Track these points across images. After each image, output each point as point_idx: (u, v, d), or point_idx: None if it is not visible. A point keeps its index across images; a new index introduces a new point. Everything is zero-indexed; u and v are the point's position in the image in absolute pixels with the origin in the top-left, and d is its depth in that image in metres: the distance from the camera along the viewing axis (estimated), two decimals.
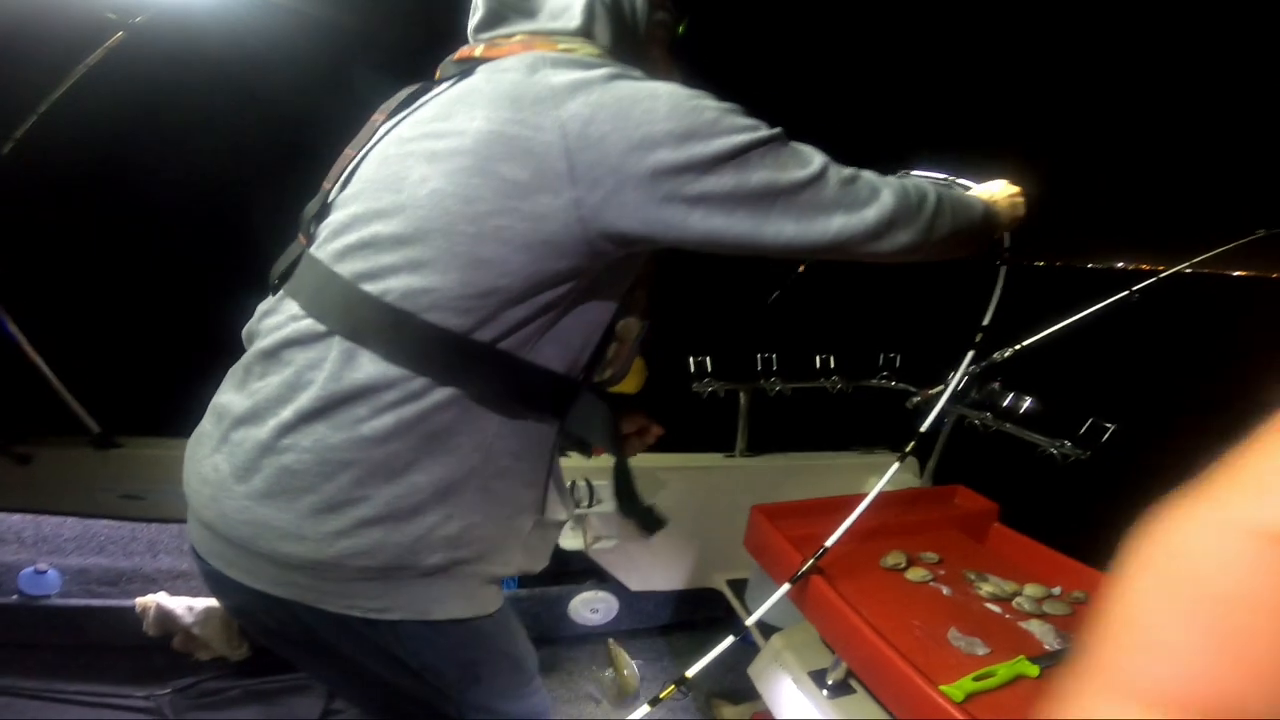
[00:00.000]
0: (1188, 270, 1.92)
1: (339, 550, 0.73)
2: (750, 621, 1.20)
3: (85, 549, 2.17)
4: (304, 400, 0.74)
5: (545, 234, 0.70)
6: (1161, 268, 1.83)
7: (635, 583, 2.04)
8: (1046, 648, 1.07)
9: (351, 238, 0.77)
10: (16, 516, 2.15)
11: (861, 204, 0.77)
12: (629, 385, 1.06)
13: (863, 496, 1.19)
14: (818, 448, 2.24)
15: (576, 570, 2.08)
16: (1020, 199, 1.10)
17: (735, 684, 1.95)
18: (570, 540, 1.98)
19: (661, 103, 0.70)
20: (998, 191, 1.09)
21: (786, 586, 1.21)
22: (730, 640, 1.18)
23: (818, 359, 2.12)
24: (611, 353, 0.87)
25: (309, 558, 0.74)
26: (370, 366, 0.73)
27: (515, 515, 0.83)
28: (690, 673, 1.21)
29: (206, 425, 0.85)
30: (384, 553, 0.74)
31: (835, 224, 0.76)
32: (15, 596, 1.87)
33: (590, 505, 1.95)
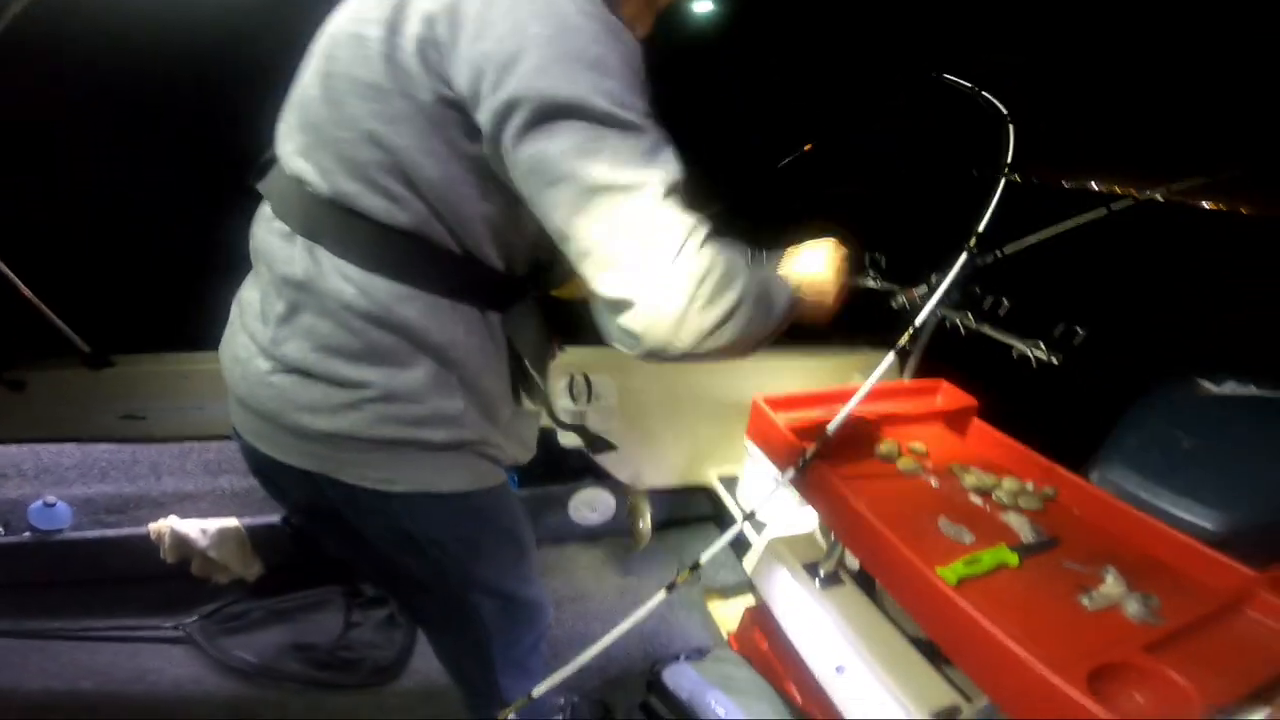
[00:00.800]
0: (1160, 199, 1.97)
1: (351, 422, 0.83)
2: (754, 510, 1.32)
3: (88, 477, 2.17)
4: (289, 295, 0.83)
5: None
6: (1133, 191, 1.88)
7: (634, 480, 2.15)
8: (1023, 539, 1.21)
9: (299, 139, 0.84)
10: (14, 448, 2.14)
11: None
12: (571, 290, 1.06)
13: (857, 387, 1.29)
14: (802, 344, 2.32)
15: (574, 468, 2.18)
16: (832, 287, 1.04)
17: (724, 579, 2.12)
18: (567, 438, 2.06)
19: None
20: (814, 274, 1.01)
21: (789, 473, 1.32)
22: (738, 526, 1.30)
23: None
24: (549, 258, 0.93)
25: (325, 429, 0.84)
26: (327, 263, 0.81)
27: (494, 403, 0.91)
28: (704, 558, 1.33)
29: (234, 314, 0.96)
30: (389, 426, 0.84)
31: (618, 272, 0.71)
32: (28, 534, 1.85)
33: (589, 401, 2.02)
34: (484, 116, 0.71)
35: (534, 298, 0.95)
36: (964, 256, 1.38)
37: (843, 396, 1.57)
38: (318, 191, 0.80)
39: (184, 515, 1.90)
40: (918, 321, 1.38)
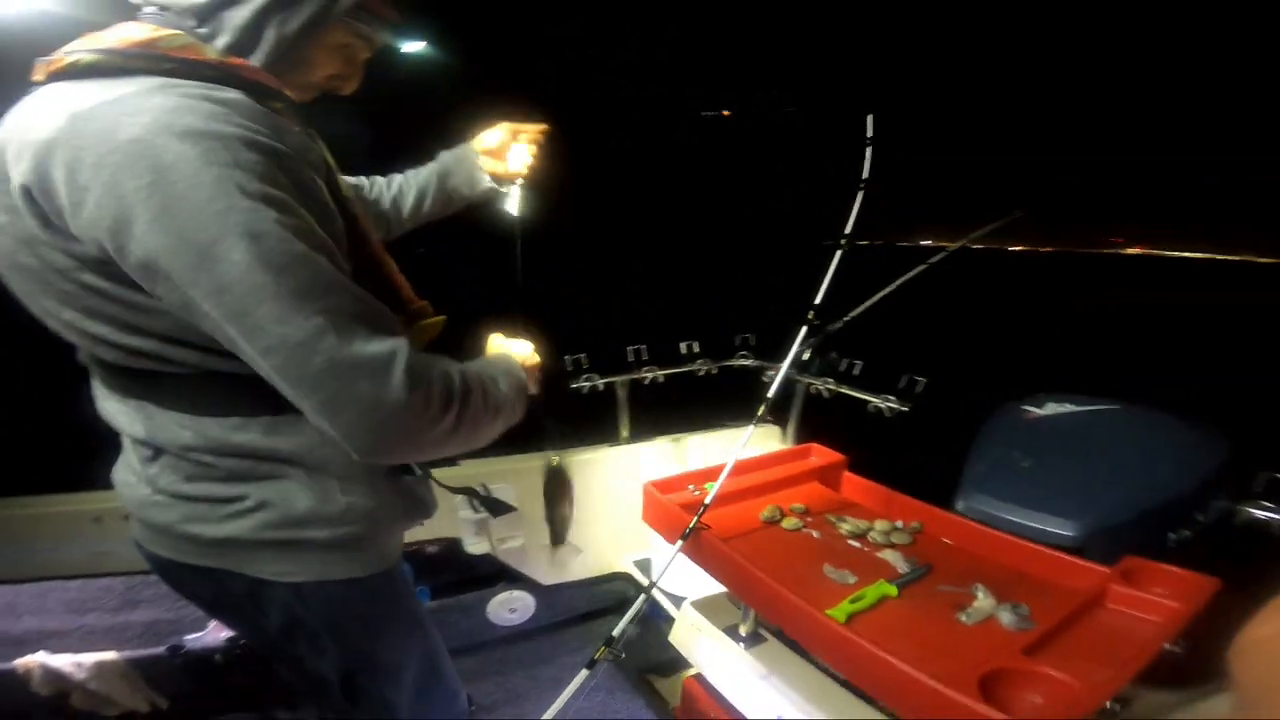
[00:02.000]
0: (972, 245, 2.28)
1: (236, 529, 0.86)
2: (657, 578, 1.35)
3: None
4: (143, 447, 0.88)
5: None
6: (948, 244, 2.18)
7: (548, 577, 2.12)
8: (900, 571, 1.29)
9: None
10: None
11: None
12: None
13: (746, 462, 1.37)
14: (692, 428, 2.43)
15: (486, 574, 2.14)
16: (530, 375, 1.03)
17: (659, 657, 2.09)
18: (475, 545, 2.03)
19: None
20: (510, 369, 0.98)
21: (679, 544, 1.37)
22: (643, 598, 1.32)
23: (683, 345, 2.30)
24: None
25: (215, 536, 0.86)
26: (160, 417, 0.84)
27: (376, 490, 0.93)
28: (616, 631, 1.35)
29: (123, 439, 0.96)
30: (273, 530, 0.86)
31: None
32: None
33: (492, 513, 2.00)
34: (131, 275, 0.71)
35: None
36: (804, 329, 1.53)
37: (719, 473, 1.67)
38: (113, 362, 0.82)
39: (51, 652, 1.81)
40: (770, 393, 1.51)
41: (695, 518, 1.38)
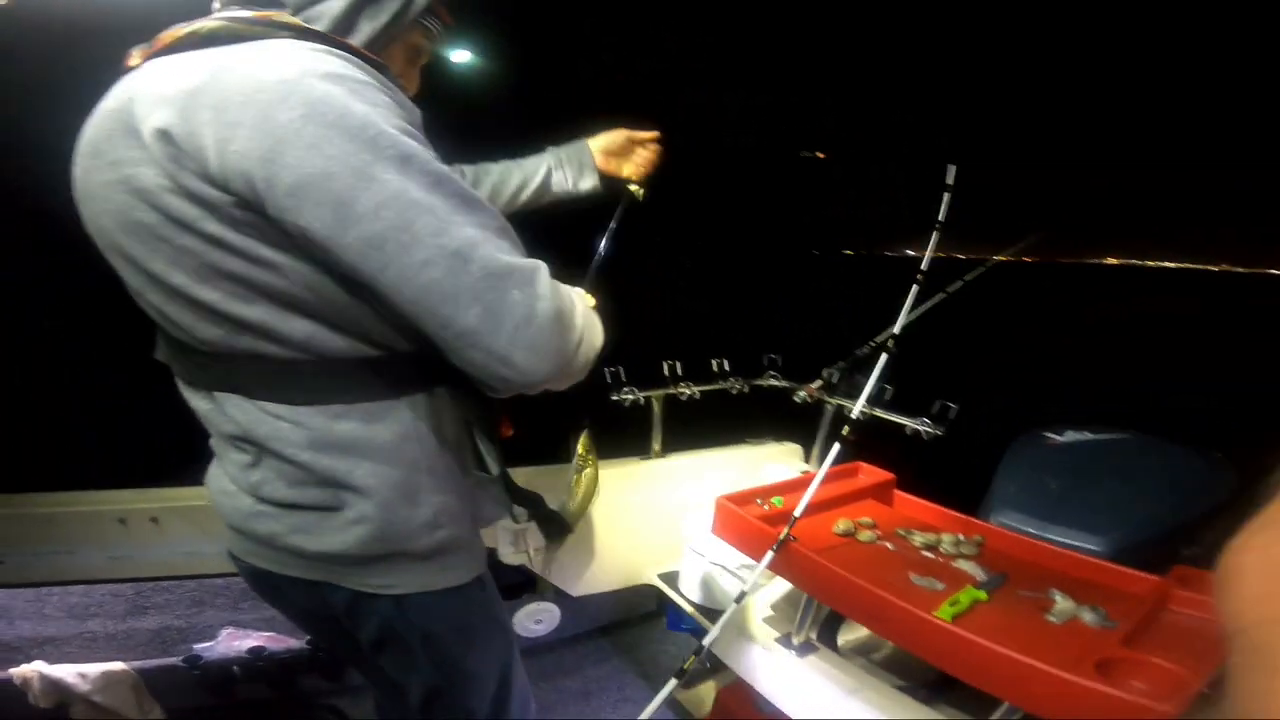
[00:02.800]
0: (998, 259, 2.42)
1: (340, 543, 0.85)
2: (750, 588, 1.42)
3: None
4: (240, 447, 0.87)
5: None
6: (970, 257, 2.31)
7: (575, 588, 2.14)
8: (979, 579, 1.40)
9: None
10: None
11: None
12: None
13: (808, 477, 1.45)
14: (710, 444, 2.50)
15: (515, 584, 2.14)
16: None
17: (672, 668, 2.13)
18: (512, 556, 2.04)
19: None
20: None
21: (768, 556, 1.44)
22: (734, 608, 1.39)
23: (714, 363, 2.38)
24: None
25: (317, 550, 0.86)
26: (252, 411, 0.83)
27: (461, 489, 0.94)
28: (707, 640, 1.40)
29: (215, 447, 0.95)
30: (375, 544, 0.86)
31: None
32: None
33: (529, 520, 2.02)
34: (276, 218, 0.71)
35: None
36: (884, 358, 1.62)
37: (787, 487, 1.75)
38: (210, 344, 0.81)
39: (48, 661, 1.74)
40: (855, 413, 1.61)
41: (785, 530, 1.44)
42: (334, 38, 0.79)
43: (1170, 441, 2.01)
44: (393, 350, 0.84)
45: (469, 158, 1.34)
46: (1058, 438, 2.09)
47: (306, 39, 0.75)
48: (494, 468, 1.01)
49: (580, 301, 0.85)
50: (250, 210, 0.71)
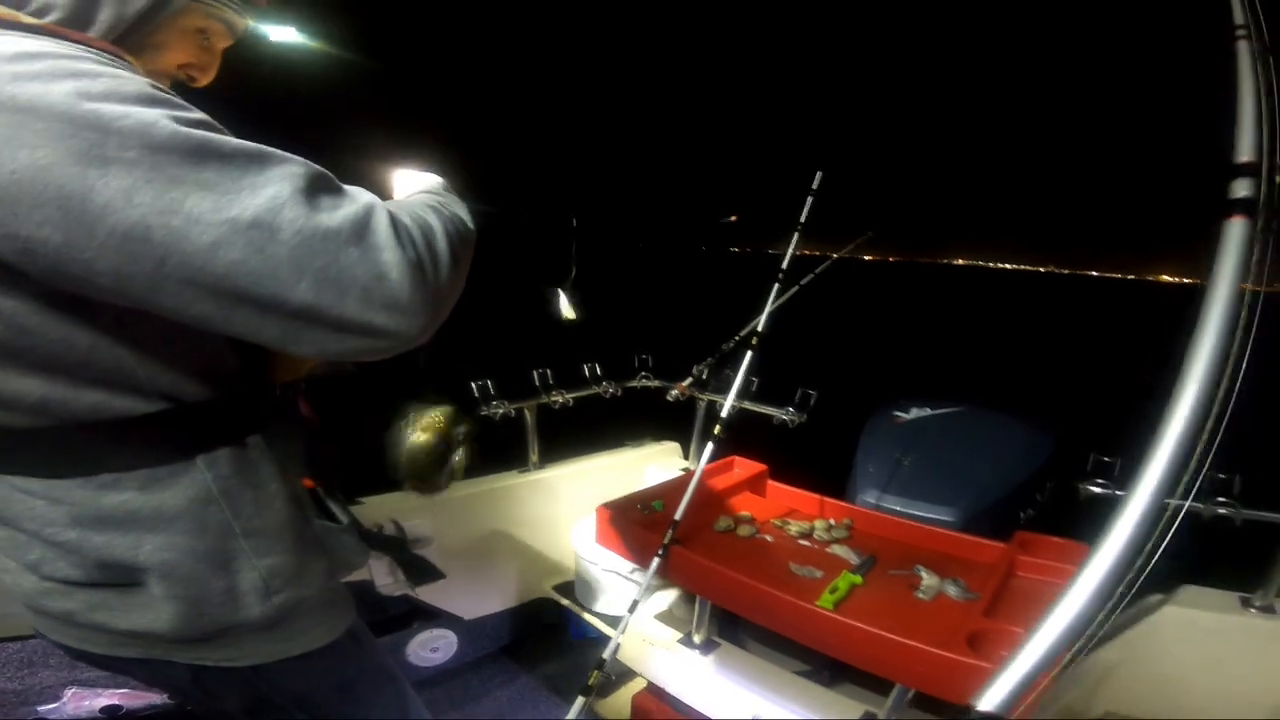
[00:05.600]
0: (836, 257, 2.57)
1: (150, 622, 0.70)
2: (640, 595, 1.42)
3: None
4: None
5: None
6: (818, 254, 2.44)
7: (468, 611, 2.06)
8: (853, 562, 1.49)
9: None
10: None
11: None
12: (299, 363, 0.88)
13: (686, 478, 1.48)
14: (592, 450, 2.49)
15: (401, 614, 2.02)
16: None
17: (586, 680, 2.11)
18: (389, 587, 1.93)
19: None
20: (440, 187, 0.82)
21: (655, 562, 1.45)
22: (629, 618, 1.39)
23: (585, 368, 2.36)
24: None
25: (127, 629, 0.71)
26: (17, 491, 0.67)
27: (297, 536, 0.79)
28: (606, 654, 1.39)
29: None
30: (194, 623, 0.71)
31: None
32: None
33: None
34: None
35: (270, 404, 0.81)
36: (749, 355, 1.68)
37: (666, 490, 1.78)
38: None
39: None
40: (724, 412, 1.65)
41: (668, 534, 1.46)
42: (53, 28, 0.61)
43: (999, 411, 2.24)
44: (175, 401, 0.68)
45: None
46: (904, 415, 2.27)
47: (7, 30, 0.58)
48: (341, 516, 0.88)
49: (436, 216, 0.66)
50: None
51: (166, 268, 0.52)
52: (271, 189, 0.54)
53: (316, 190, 0.57)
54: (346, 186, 0.60)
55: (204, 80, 0.79)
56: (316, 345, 0.59)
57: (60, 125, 0.50)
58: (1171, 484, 0.54)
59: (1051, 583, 1.38)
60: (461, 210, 0.73)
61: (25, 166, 0.49)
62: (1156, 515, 0.54)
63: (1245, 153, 0.59)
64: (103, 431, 0.65)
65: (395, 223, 0.60)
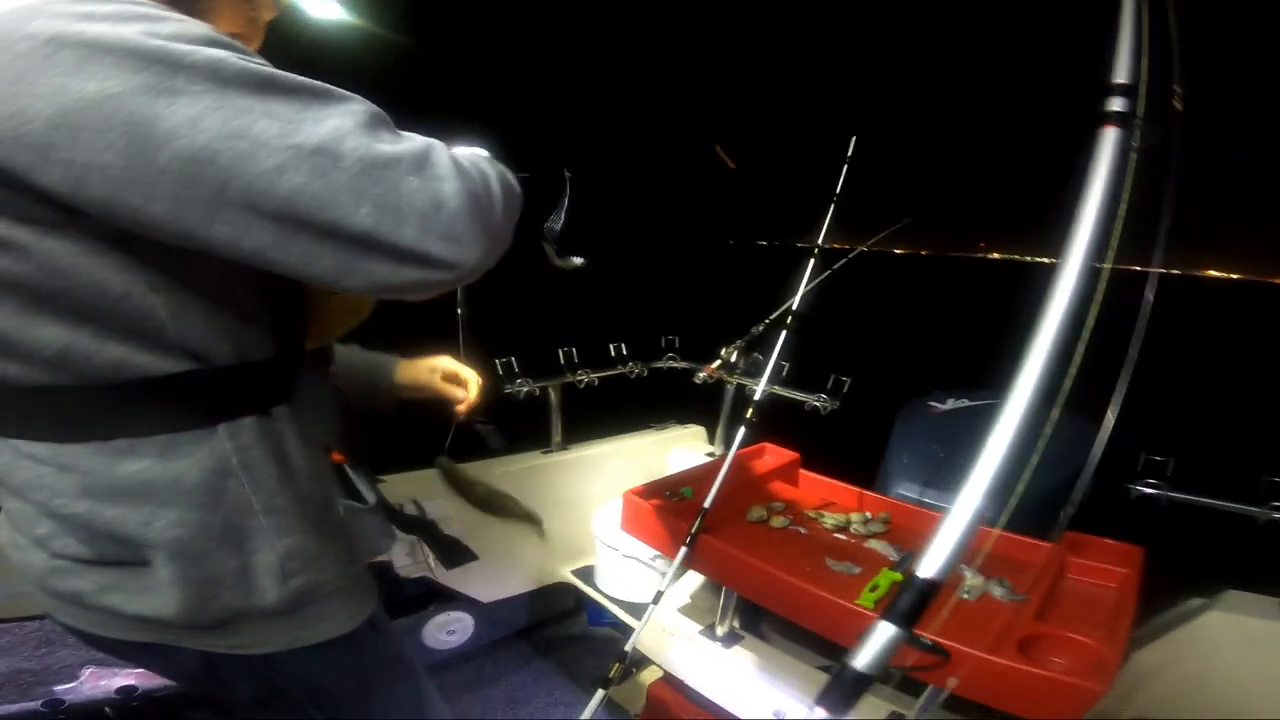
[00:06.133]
0: (866, 249, 2.50)
1: (159, 607, 0.67)
2: (666, 585, 1.37)
3: None
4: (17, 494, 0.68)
5: None
6: (849, 246, 2.36)
7: (486, 594, 2.03)
8: (892, 559, 1.42)
9: None
10: None
11: None
12: (335, 322, 0.86)
13: (716, 464, 1.44)
14: (615, 431, 2.44)
15: (418, 595, 2.00)
16: None
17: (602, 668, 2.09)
18: (409, 569, 1.90)
19: None
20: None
21: (683, 551, 1.40)
22: (653, 609, 1.34)
23: (611, 348, 2.31)
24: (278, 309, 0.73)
25: (136, 613, 0.68)
26: (5, 453, 0.65)
27: (320, 516, 0.76)
28: (628, 646, 1.35)
29: None
30: (207, 608, 0.68)
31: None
32: None
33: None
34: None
35: (300, 373, 0.78)
36: (783, 334, 1.62)
37: (695, 476, 1.72)
38: None
39: None
40: (758, 395, 1.59)
41: (696, 523, 1.41)
42: None
43: (1038, 403, 2.15)
44: (201, 361, 0.65)
45: None
46: (939, 405, 2.19)
47: None
48: (368, 495, 0.85)
49: (491, 166, 0.67)
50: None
51: (229, 193, 0.52)
52: (334, 120, 0.55)
53: (378, 125, 0.58)
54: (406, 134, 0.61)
55: (252, 49, 0.76)
56: (371, 277, 0.58)
57: (130, 59, 0.51)
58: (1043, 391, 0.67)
59: (1104, 586, 1.31)
60: (509, 174, 0.71)
61: (93, 94, 0.50)
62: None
63: (1121, 75, 0.69)
64: (121, 392, 0.62)
65: (455, 159, 0.60)
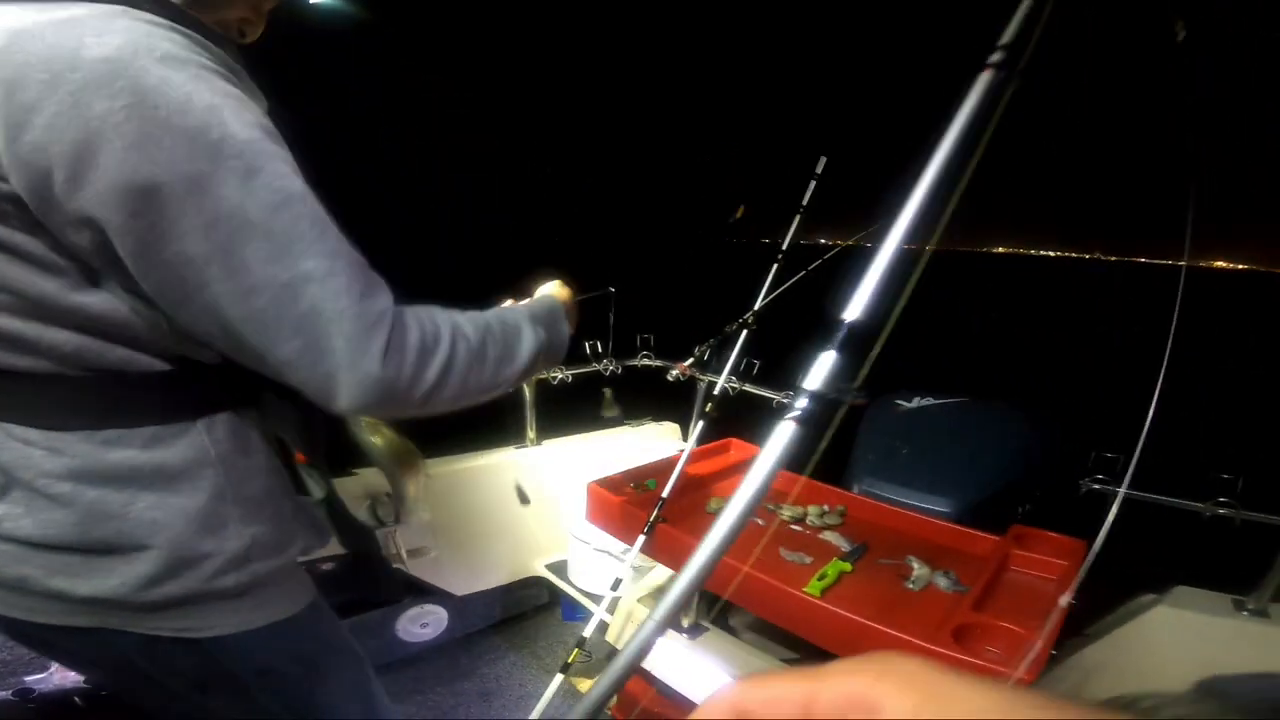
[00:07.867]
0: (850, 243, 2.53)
1: (115, 587, 0.70)
2: (630, 559, 1.41)
3: None
4: None
5: None
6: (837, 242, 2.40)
7: (460, 587, 2.06)
8: (843, 549, 1.47)
9: None
10: None
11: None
12: None
13: (674, 458, 1.50)
14: (585, 428, 2.47)
15: (393, 587, 2.03)
16: (566, 311, 0.94)
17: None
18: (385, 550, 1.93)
19: None
20: (547, 307, 0.90)
21: (640, 540, 1.44)
22: (610, 597, 1.38)
23: (585, 345, 2.34)
24: None
25: (87, 595, 0.70)
26: (13, 439, 0.68)
27: (278, 507, 0.81)
28: (586, 631, 1.39)
29: None
30: (165, 586, 0.72)
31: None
32: None
33: (399, 520, 1.92)
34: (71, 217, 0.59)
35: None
36: (743, 333, 1.66)
37: (659, 469, 1.76)
38: None
39: None
40: (716, 390, 1.64)
41: (654, 512, 1.45)
42: (174, 5, 0.65)
43: (1003, 403, 2.21)
44: (190, 362, 0.71)
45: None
46: (905, 404, 2.24)
47: (132, 4, 0.61)
48: (316, 490, 0.89)
49: (463, 340, 0.72)
50: (25, 208, 0.58)
51: (203, 295, 0.61)
52: (315, 260, 0.62)
53: (351, 278, 0.64)
54: (376, 281, 0.67)
55: (252, 36, 0.82)
56: (280, 378, 0.66)
57: (188, 148, 0.57)
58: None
59: (1044, 578, 1.35)
60: (530, 335, 0.81)
61: (144, 180, 0.57)
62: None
63: (1007, 37, 0.73)
64: (117, 385, 0.68)
65: (396, 334, 0.66)
